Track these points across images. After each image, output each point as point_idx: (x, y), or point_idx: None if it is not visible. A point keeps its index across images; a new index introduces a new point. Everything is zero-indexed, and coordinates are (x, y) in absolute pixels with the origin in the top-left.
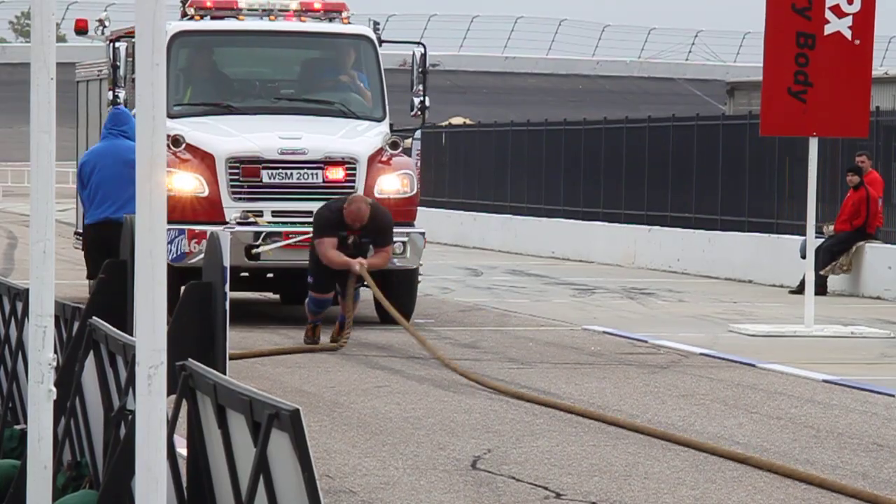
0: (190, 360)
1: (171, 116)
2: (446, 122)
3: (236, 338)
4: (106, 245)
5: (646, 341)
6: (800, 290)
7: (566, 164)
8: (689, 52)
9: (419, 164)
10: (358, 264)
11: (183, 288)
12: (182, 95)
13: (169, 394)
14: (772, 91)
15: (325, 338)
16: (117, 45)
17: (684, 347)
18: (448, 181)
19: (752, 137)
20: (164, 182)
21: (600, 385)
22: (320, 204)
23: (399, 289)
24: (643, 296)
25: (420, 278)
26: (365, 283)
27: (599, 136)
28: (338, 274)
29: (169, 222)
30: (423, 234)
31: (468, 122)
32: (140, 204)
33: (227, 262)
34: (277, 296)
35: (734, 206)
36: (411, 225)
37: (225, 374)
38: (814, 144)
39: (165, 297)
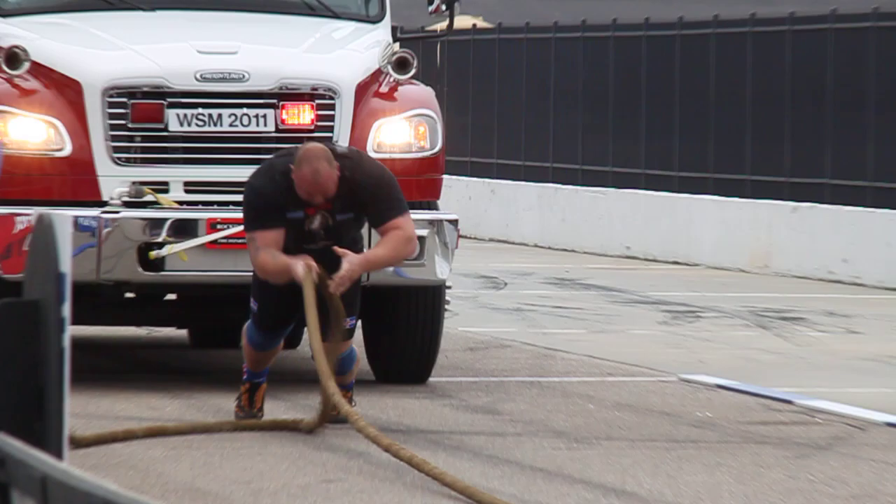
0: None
1: (3, 14)
2: (439, 28)
3: (97, 402)
4: None
5: (790, 402)
6: None
7: (649, 96)
8: None
9: None
10: (303, 266)
11: None
12: None
13: None
14: None
15: (274, 409)
16: None
17: (857, 413)
18: (448, 126)
19: None
20: None
21: (712, 479)
22: None
23: (413, 322)
24: (783, 322)
25: (449, 300)
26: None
27: (706, 46)
28: (300, 299)
29: (1, 201)
30: (454, 222)
31: (480, 24)
32: None
33: (66, 266)
34: (185, 332)
35: None
36: (434, 206)
37: (62, 458)
38: None
39: None
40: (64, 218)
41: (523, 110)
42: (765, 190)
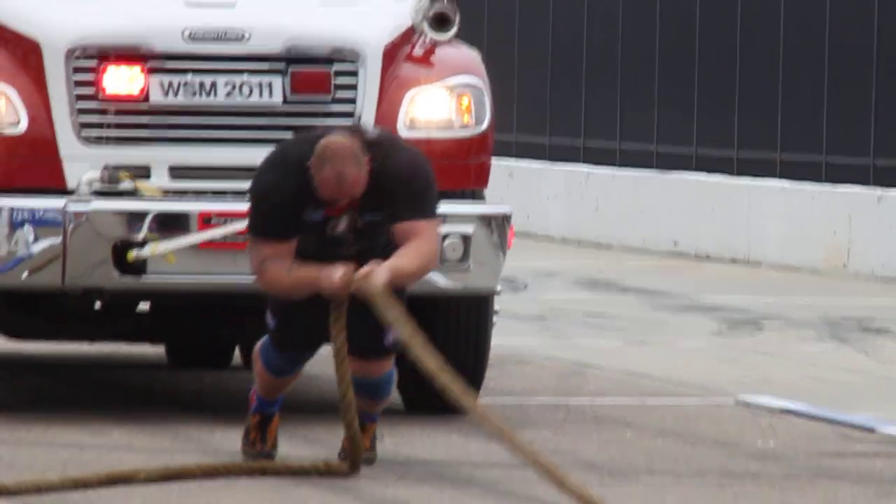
0: None
1: None
2: None
3: (28, 426)
4: None
5: (871, 429)
6: None
7: (703, 58)
8: None
9: None
10: (341, 274)
11: None
12: None
13: None
14: None
15: (288, 447)
16: None
17: None
18: None
19: None
20: None
21: None
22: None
23: (454, 340)
24: (865, 334)
25: (497, 310)
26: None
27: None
28: (326, 314)
29: None
30: (507, 217)
31: None
32: None
33: None
34: (161, 349)
35: None
36: (480, 197)
37: None
38: None
39: None
40: None
41: (549, 75)
42: (844, 174)
